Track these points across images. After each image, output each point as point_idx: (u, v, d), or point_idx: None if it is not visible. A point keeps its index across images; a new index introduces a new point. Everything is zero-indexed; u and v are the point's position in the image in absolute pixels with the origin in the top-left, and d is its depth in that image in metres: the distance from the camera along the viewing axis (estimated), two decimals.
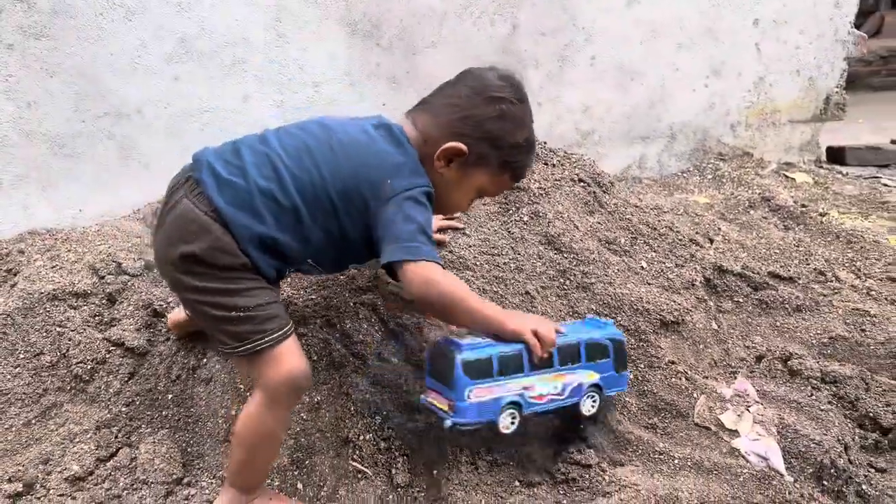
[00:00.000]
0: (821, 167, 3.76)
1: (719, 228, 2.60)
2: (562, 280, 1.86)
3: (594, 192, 2.10)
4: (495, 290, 1.83)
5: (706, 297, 2.02)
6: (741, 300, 2.07)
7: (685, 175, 3.46)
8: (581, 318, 1.77)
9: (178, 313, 1.68)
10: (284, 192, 1.32)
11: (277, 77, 2.87)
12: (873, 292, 2.22)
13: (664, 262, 2.04)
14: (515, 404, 1.41)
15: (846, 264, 2.46)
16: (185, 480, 1.54)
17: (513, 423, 1.42)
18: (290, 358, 1.32)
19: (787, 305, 2.06)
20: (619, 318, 1.80)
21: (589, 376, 1.48)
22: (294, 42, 2.86)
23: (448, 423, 1.38)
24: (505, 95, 1.41)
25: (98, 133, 2.71)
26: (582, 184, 2.09)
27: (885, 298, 2.20)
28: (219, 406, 1.64)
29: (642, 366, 1.72)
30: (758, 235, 2.63)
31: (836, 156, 3.92)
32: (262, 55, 2.84)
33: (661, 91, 3.39)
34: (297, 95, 2.92)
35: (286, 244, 1.34)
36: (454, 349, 1.38)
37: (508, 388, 1.40)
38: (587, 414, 1.49)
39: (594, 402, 1.50)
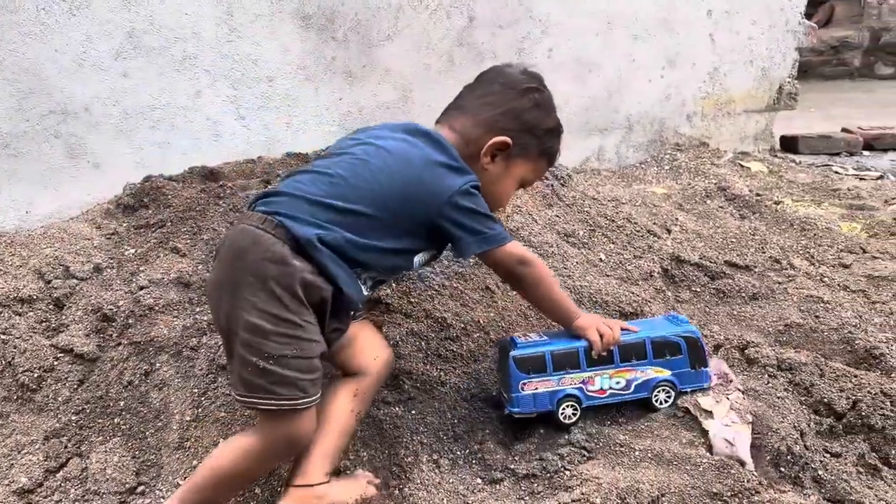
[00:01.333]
0: (775, 156, 3.83)
1: (677, 219, 2.61)
2: None
3: (552, 185, 2.10)
4: (455, 285, 1.81)
5: (664, 288, 2.03)
6: (698, 290, 2.09)
7: (643, 166, 3.49)
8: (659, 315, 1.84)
9: None
10: (344, 199, 1.33)
11: (230, 72, 2.82)
12: (826, 279, 2.26)
13: (622, 254, 2.04)
14: (573, 397, 1.51)
15: (800, 252, 2.50)
16: (139, 489, 1.50)
17: (574, 413, 1.52)
18: (297, 423, 1.30)
19: (743, 294, 2.08)
20: None
21: (658, 372, 1.55)
22: (247, 36, 2.81)
23: (506, 411, 1.53)
24: (534, 86, 1.51)
25: (44, 132, 2.62)
26: None
27: (838, 284, 2.24)
28: (173, 411, 1.60)
29: None
30: (714, 225, 2.65)
31: (790, 144, 4.00)
32: (214, 50, 2.77)
33: (617, 82, 3.41)
34: (250, 91, 2.86)
35: (351, 240, 1.32)
36: (510, 347, 1.52)
37: (565, 382, 1.51)
38: (659, 407, 1.56)
39: (668, 396, 1.57)
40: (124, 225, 2.16)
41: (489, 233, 1.40)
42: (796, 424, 1.54)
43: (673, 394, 1.57)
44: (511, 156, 1.48)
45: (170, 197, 2.17)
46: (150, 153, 2.77)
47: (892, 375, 1.79)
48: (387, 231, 1.36)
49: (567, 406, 1.51)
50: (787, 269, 2.32)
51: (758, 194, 2.92)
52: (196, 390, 1.62)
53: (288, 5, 2.83)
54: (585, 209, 2.11)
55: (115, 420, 1.63)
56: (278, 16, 2.83)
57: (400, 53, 3.02)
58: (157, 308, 1.77)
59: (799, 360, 1.71)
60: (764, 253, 2.42)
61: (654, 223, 2.40)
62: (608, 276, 1.95)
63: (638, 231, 2.15)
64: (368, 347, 1.52)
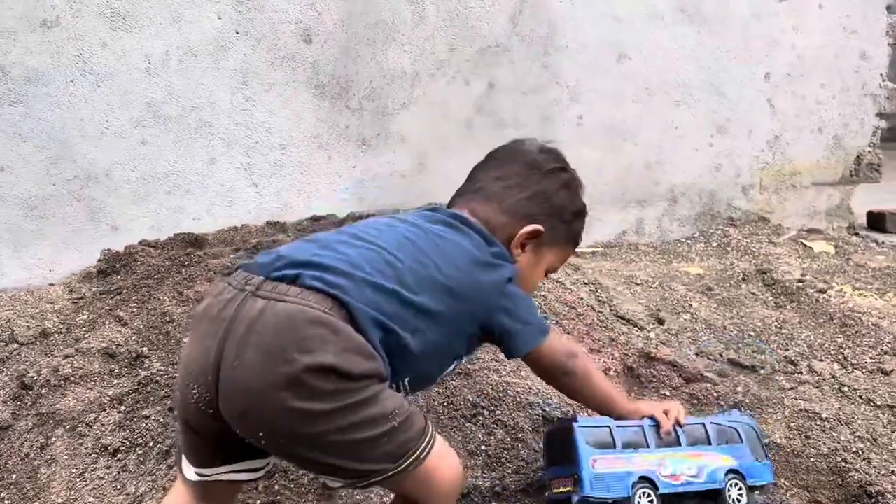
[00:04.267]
0: (854, 234, 3.36)
1: (690, 305, 2.34)
2: None
3: None
4: None
5: (622, 389, 1.77)
6: (668, 393, 1.81)
7: (689, 241, 3.18)
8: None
9: None
10: (404, 286, 1.12)
11: (244, 140, 2.87)
12: (846, 388, 1.90)
13: None
14: (648, 480, 1.31)
15: (832, 352, 2.14)
16: None
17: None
18: (450, 451, 1.16)
19: (722, 402, 1.78)
20: (499, 413, 1.59)
21: (724, 460, 1.38)
22: (261, 105, 2.86)
23: (575, 499, 1.28)
24: (560, 165, 1.39)
25: (68, 195, 2.78)
26: None
27: (860, 396, 1.87)
28: (52, 490, 1.56)
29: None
30: (737, 314, 2.34)
31: (876, 222, 3.50)
32: (229, 118, 2.84)
33: (658, 151, 3.15)
34: (264, 158, 2.90)
35: (406, 345, 1.12)
36: (571, 423, 1.34)
37: (636, 462, 1.32)
38: None
39: (741, 491, 1.38)
40: (93, 290, 2.20)
41: (541, 324, 1.29)
42: None
43: (744, 490, 1.37)
44: (541, 244, 1.34)
45: (139, 264, 2.20)
46: (164, 217, 2.85)
47: None
48: (444, 331, 1.18)
49: (642, 493, 1.29)
50: (801, 372, 1.99)
51: (800, 280, 2.55)
52: (75, 470, 1.58)
53: (301, 74, 2.86)
54: (542, 294, 1.90)
55: (2, 494, 1.61)
56: (292, 85, 2.86)
57: (416, 121, 2.96)
58: (72, 379, 1.76)
59: None
60: (786, 350, 2.10)
61: (647, 310, 2.15)
62: None
63: (603, 321, 1.91)
64: None
